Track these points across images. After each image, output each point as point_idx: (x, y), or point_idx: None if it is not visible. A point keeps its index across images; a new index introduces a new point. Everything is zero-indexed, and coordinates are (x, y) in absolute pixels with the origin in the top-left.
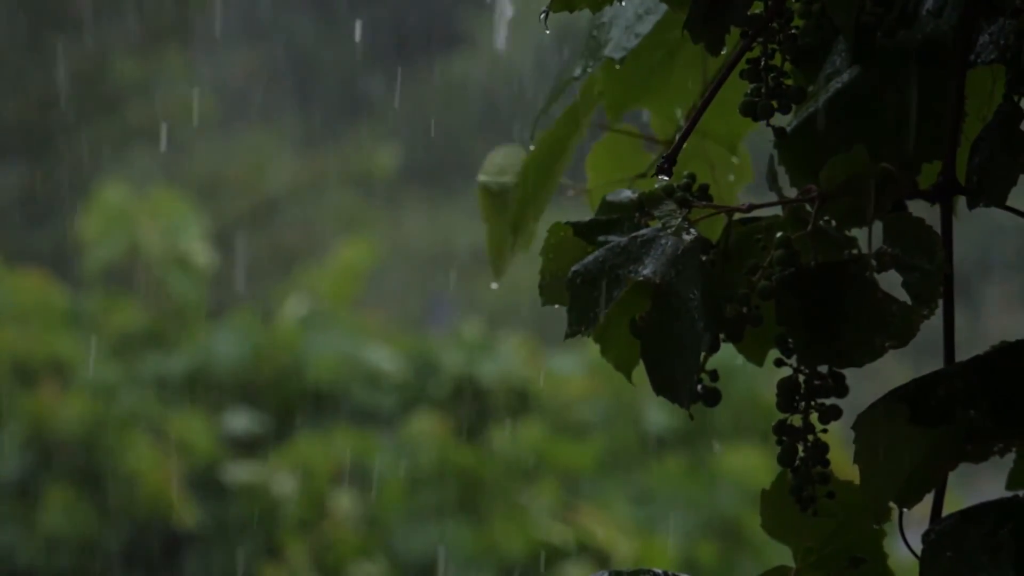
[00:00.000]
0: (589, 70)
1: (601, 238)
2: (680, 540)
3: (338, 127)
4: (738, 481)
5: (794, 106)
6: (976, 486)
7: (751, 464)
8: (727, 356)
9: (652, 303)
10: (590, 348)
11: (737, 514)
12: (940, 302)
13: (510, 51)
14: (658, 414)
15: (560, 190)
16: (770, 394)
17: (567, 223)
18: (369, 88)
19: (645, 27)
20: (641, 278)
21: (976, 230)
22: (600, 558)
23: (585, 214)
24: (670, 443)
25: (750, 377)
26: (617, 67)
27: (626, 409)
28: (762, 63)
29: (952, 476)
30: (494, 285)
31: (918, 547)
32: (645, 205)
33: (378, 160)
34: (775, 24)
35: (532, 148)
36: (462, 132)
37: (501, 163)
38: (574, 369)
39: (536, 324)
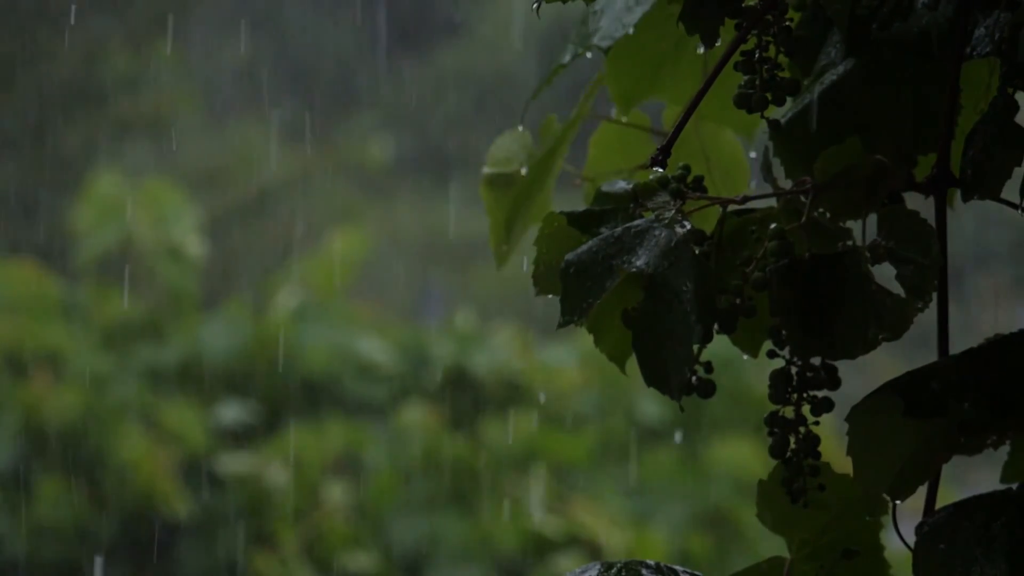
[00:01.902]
0: (579, 56)
1: (595, 228)
2: (672, 532)
3: (331, 118)
4: (730, 473)
5: (789, 98)
6: (968, 478)
7: (743, 456)
8: (719, 347)
9: (645, 294)
10: (582, 339)
11: (729, 506)
12: (934, 295)
13: (505, 41)
14: (651, 405)
15: (563, 177)
16: (762, 385)
17: (561, 213)
18: (362, 78)
19: (633, 18)
20: (634, 269)
21: (970, 223)
22: (592, 549)
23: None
24: (663, 434)
25: (742, 368)
26: (605, 54)
27: (618, 400)
28: (756, 55)
29: (944, 469)
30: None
31: (911, 539)
32: (639, 196)
33: (371, 151)
34: (770, 16)
35: (530, 140)
36: (456, 123)
37: (505, 153)
38: (566, 360)
39: (529, 315)
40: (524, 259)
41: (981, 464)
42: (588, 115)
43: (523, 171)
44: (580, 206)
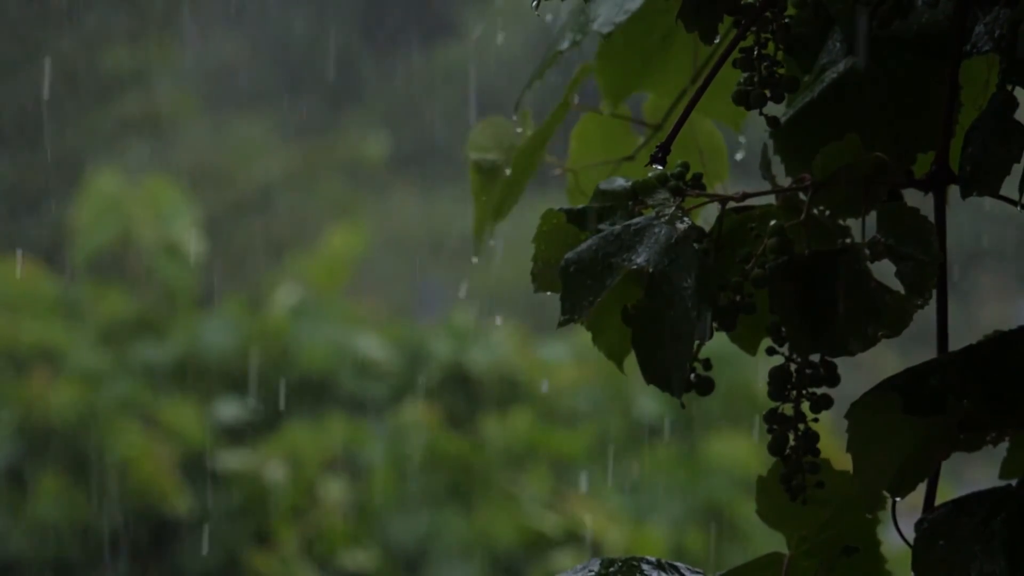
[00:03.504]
0: (576, 44)
1: (594, 226)
2: (670, 528)
3: (328, 115)
4: (728, 469)
5: (788, 95)
6: (966, 475)
7: (741, 452)
8: (717, 344)
9: (645, 291)
10: (580, 336)
11: (727, 502)
12: (933, 291)
13: (501, 39)
14: (649, 402)
15: (545, 168)
16: (760, 382)
17: (560, 210)
18: (359, 76)
19: (635, 3)
20: (634, 266)
21: (969, 219)
22: (591, 546)
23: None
24: (661, 431)
25: (740, 365)
26: (603, 40)
27: (617, 397)
28: (755, 52)
29: (942, 465)
30: (475, 260)
31: (911, 536)
32: (639, 193)
33: (368, 148)
34: (769, 13)
35: (520, 130)
36: (452, 120)
37: (488, 140)
38: (564, 357)
39: (528, 312)
40: (522, 257)
41: (978, 460)
42: (572, 107)
43: (506, 160)
44: (561, 199)
